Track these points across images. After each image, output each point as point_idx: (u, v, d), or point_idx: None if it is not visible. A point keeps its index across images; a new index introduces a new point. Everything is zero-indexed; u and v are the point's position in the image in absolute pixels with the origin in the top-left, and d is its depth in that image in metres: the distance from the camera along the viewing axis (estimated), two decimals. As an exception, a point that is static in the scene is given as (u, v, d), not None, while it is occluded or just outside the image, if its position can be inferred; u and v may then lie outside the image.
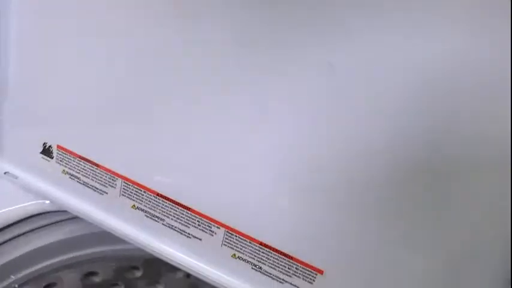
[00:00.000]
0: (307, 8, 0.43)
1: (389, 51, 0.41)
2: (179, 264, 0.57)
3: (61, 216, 0.66)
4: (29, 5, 0.55)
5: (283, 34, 0.44)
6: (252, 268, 0.54)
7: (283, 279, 0.53)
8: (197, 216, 0.54)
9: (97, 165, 0.58)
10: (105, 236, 0.61)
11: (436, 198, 0.44)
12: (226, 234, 0.53)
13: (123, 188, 0.57)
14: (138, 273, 0.77)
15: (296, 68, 0.45)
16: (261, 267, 0.53)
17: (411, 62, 0.41)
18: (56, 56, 0.56)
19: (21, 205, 0.64)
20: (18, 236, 0.65)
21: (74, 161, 0.59)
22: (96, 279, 0.76)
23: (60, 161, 0.60)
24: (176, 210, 0.55)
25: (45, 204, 0.64)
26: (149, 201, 0.56)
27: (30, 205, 0.64)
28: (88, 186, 0.60)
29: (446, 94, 0.41)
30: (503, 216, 0.42)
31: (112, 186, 0.58)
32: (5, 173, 0.64)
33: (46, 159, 0.61)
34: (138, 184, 0.56)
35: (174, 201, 0.55)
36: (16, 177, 0.63)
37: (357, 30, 0.42)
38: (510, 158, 0.40)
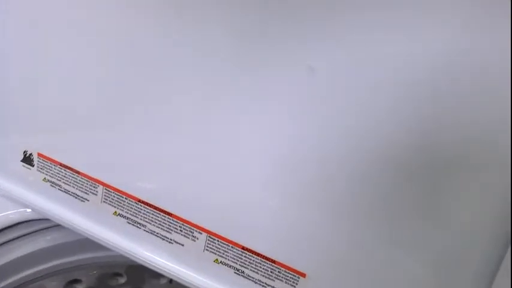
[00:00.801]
0: (292, 9, 0.43)
1: (376, 51, 0.42)
2: (162, 270, 0.57)
3: (43, 224, 0.66)
4: (10, 11, 0.55)
5: (266, 34, 0.44)
6: (235, 273, 0.54)
7: (265, 283, 0.53)
8: (179, 221, 0.54)
9: (78, 172, 0.58)
10: (88, 243, 0.61)
11: (424, 199, 0.44)
12: (209, 239, 0.53)
13: (105, 195, 0.57)
14: (122, 280, 0.77)
15: (279, 69, 0.45)
16: (243, 272, 0.53)
17: (397, 61, 0.41)
18: (36, 63, 0.56)
19: (3, 214, 0.64)
20: (0, 245, 0.65)
21: (55, 169, 0.59)
22: (80, 286, 0.75)
23: (41, 168, 0.60)
24: (158, 216, 0.55)
25: (27, 213, 0.64)
26: (131, 207, 0.56)
27: (11, 214, 0.64)
28: (69, 194, 0.59)
29: (431, 94, 0.41)
30: (495, 216, 0.42)
31: (93, 193, 0.58)
32: (-15, 181, 0.63)
33: (27, 167, 0.61)
34: (119, 191, 0.56)
35: (155, 207, 0.55)
36: (-4, 186, 0.63)
37: (343, 31, 0.42)
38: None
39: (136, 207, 0.56)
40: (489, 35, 0.38)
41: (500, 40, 0.38)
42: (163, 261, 0.57)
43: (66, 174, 0.58)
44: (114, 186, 0.56)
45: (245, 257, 0.53)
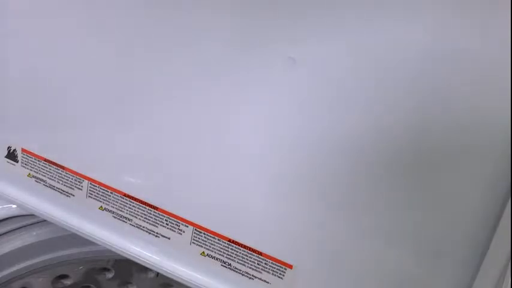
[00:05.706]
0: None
1: (360, 41, 0.42)
2: (148, 263, 0.57)
3: (28, 220, 0.66)
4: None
5: (246, 26, 0.44)
6: (222, 265, 0.54)
7: (252, 275, 0.53)
8: (165, 215, 0.54)
9: (62, 167, 0.57)
10: (74, 238, 0.61)
11: (406, 190, 0.44)
12: (195, 232, 0.54)
13: (90, 190, 0.57)
14: (110, 275, 0.77)
15: (259, 63, 0.45)
16: (230, 264, 0.53)
17: (381, 52, 0.41)
18: (18, 58, 0.55)
19: (-13, 210, 0.64)
20: (-15, 242, 0.65)
21: (39, 164, 0.59)
22: (67, 282, 0.75)
23: (26, 164, 0.59)
24: (144, 210, 0.55)
25: (12, 209, 0.64)
26: (116, 201, 0.56)
27: (-4, 210, 0.64)
28: (54, 189, 0.59)
29: (416, 85, 0.41)
30: (477, 206, 0.42)
31: (79, 188, 0.57)
32: (-31, 178, 0.63)
33: (11, 163, 0.60)
34: (104, 185, 0.56)
35: (141, 201, 0.55)
36: (-20, 183, 0.62)
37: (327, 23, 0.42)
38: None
39: (121, 201, 0.56)
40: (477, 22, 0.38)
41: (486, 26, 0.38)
42: (149, 255, 0.57)
43: (50, 169, 0.58)
44: (99, 180, 0.56)
45: (232, 249, 0.53)
